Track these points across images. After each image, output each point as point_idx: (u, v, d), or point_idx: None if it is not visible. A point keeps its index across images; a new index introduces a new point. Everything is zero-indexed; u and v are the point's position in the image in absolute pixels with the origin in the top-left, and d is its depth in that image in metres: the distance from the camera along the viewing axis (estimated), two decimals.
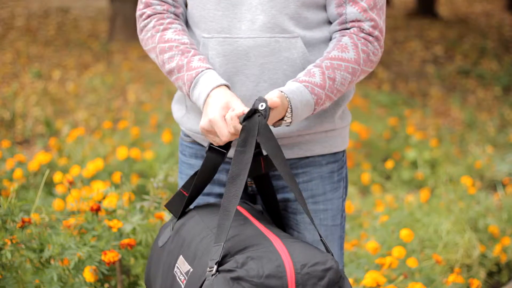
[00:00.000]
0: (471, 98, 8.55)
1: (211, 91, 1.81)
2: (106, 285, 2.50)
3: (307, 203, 1.99)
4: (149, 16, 1.97)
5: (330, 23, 1.96)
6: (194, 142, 2.06)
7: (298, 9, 1.89)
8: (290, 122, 1.80)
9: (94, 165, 4.11)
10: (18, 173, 4.24)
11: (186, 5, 2.03)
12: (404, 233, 3.16)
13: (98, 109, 7.03)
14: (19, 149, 5.67)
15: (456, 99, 8.27)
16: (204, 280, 1.61)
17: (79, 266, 2.41)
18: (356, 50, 1.86)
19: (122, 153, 4.69)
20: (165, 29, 1.94)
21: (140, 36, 2.00)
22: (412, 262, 3.00)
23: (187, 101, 2.03)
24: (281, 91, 1.79)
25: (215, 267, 1.60)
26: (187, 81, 1.87)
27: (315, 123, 1.96)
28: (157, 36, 1.94)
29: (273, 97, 1.74)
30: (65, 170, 4.48)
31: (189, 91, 1.87)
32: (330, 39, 1.95)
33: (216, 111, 1.77)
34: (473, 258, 3.62)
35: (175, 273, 1.78)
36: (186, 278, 1.71)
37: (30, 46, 9.74)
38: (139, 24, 2.00)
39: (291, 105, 1.77)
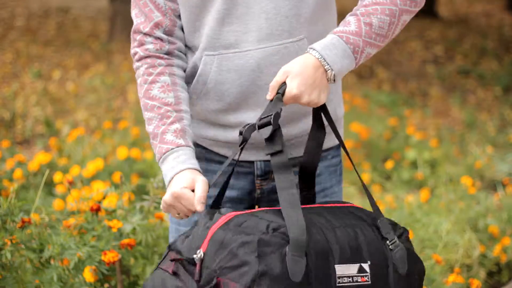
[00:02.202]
0: (471, 98, 8.55)
1: (175, 174, 1.81)
2: (106, 285, 2.50)
3: (319, 197, 2.00)
4: (141, 59, 1.91)
5: (329, 10, 1.95)
6: (197, 145, 2.05)
7: (303, 8, 1.88)
8: (334, 79, 1.78)
9: (94, 165, 4.12)
10: (18, 173, 4.25)
11: (182, 29, 1.96)
12: None
13: (98, 109, 7.03)
14: (19, 149, 5.68)
15: (456, 99, 8.28)
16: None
17: (79, 266, 2.41)
18: None
19: (122, 153, 4.69)
20: (152, 82, 1.88)
21: (135, 75, 1.96)
22: None
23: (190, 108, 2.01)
24: (311, 47, 1.77)
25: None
26: (158, 153, 1.86)
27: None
28: (144, 87, 1.89)
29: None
30: (65, 170, 4.48)
31: (159, 163, 1.87)
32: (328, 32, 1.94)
33: (181, 183, 1.78)
34: (473, 258, 3.62)
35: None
36: None
37: (30, 46, 9.74)
38: (133, 63, 1.95)
39: (326, 60, 1.76)
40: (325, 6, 1.94)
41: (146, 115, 1.88)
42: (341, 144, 1.87)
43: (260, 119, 1.73)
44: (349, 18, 1.83)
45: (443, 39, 11.48)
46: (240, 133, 1.78)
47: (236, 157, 1.89)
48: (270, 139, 1.71)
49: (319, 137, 1.86)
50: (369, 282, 1.67)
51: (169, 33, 1.91)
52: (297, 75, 1.74)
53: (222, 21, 1.87)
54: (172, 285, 1.66)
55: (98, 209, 2.55)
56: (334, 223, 1.71)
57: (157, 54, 1.90)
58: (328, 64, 1.75)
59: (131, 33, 1.95)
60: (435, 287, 3.14)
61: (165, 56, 1.91)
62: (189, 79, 1.96)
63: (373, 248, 1.70)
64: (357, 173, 1.88)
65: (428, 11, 13.40)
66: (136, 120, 6.48)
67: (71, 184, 2.74)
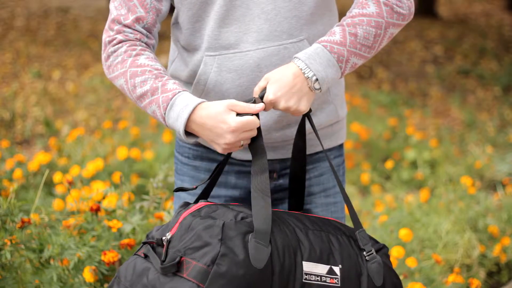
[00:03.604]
0: (471, 98, 8.55)
1: (194, 108, 1.75)
2: (106, 285, 2.50)
3: (320, 197, 2.04)
4: (120, 42, 1.88)
5: (329, 11, 1.97)
6: (199, 145, 2.05)
7: (303, 10, 1.89)
8: (320, 88, 1.80)
9: (94, 165, 4.12)
10: (17, 173, 4.25)
11: (181, 31, 1.96)
12: (403, 232, 3.17)
13: (98, 109, 7.03)
14: (19, 149, 5.68)
15: (456, 99, 8.28)
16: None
17: (78, 266, 2.41)
18: (378, 4, 1.86)
19: (122, 153, 4.69)
20: (137, 55, 1.86)
21: (107, 63, 1.89)
22: (411, 262, 3.00)
23: None
24: (295, 57, 1.80)
25: None
26: (162, 103, 1.79)
27: (323, 119, 1.99)
28: (129, 60, 1.85)
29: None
30: (65, 170, 4.48)
31: (164, 113, 1.79)
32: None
33: (226, 115, 1.73)
34: (473, 258, 3.62)
35: None
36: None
37: (30, 46, 9.74)
38: (108, 50, 1.89)
39: (310, 69, 1.78)
40: (325, 7, 1.94)
41: (138, 79, 1.82)
42: (325, 153, 1.90)
43: None
44: (335, 28, 1.85)
45: (442, 39, 11.47)
46: None
47: (238, 157, 1.95)
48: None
49: (300, 144, 1.91)
50: (338, 285, 1.71)
51: (148, 30, 1.91)
52: (275, 81, 1.78)
53: (222, 22, 1.88)
54: (141, 266, 1.71)
55: (98, 209, 2.55)
56: (309, 226, 1.76)
57: (137, 41, 1.89)
58: (311, 72, 1.78)
59: (108, 22, 1.92)
60: (435, 287, 3.14)
61: (144, 44, 1.90)
62: (190, 80, 1.97)
63: (345, 254, 1.75)
64: (338, 181, 1.91)
65: (428, 11, 13.40)
66: (136, 120, 6.48)
67: (71, 184, 2.74)
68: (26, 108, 6.89)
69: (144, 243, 1.74)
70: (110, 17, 1.92)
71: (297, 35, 1.89)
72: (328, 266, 1.71)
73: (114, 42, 1.89)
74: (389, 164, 5.44)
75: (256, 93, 1.81)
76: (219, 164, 1.89)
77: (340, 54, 1.81)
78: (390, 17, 1.86)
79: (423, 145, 6.04)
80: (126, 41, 1.88)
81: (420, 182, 5.35)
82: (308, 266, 1.69)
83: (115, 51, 1.88)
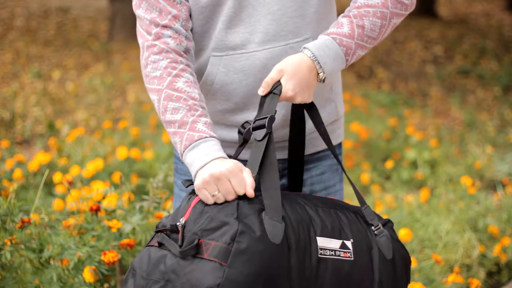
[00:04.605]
0: (471, 98, 8.55)
1: (213, 160, 1.71)
2: (106, 285, 2.50)
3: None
4: (161, 51, 1.83)
5: (332, 12, 1.98)
6: None
7: (308, 9, 1.90)
8: (324, 79, 1.82)
9: (94, 165, 4.12)
10: (17, 173, 4.25)
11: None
12: (403, 232, 3.17)
13: (98, 109, 7.03)
14: (19, 149, 5.68)
15: (456, 99, 8.28)
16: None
17: (78, 266, 2.41)
18: None
19: (122, 153, 4.69)
20: (177, 76, 1.81)
21: (145, 70, 1.85)
22: (411, 262, 3.00)
23: None
24: (305, 47, 1.81)
25: None
26: (185, 140, 1.76)
27: (324, 117, 2.00)
28: (168, 79, 1.81)
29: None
30: (65, 170, 4.48)
31: (183, 151, 1.77)
32: None
33: (232, 163, 1.69)
34: (472, 258, 3.62)
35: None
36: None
37: (30, 46, 9.74)
38: (147, 56, 1.84)
39: (318, 62, 1.79)
40: (327, 5, 1.95)
41: (171, 104, 1.79)
42: (330, 149, 1.91)
43: (255, 120, 1.76)
44: (342, 19, 1.86)
45: (442, 39, 11.47)
46: (240, 133, 1.82)
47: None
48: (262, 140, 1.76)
49: (300, 123, 1.91)
50: (352, 258, 1.73)
51: (185, 28, 1.88)
52: (292, 76, 1.78)
53: (229, 23, 1.88)
54: (156, 254, 1.69)
55: (97, 209, 2.55)
56: (317, 204, 1.78)
57: (178, 50, 1.85)
58: (321, 67, 1.79)
59: (143, 26, 1.86)
60: (435, 287, 3.14)
61: (185, 54, 1.86)
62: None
63: (355, 229, 1.77)
64: (341, 166, 1.92)
65: (428, 11, 13.40)
66: (136, 120, 6.48)
67: (71, 184, 2.74)
68: (26, 108, 6.89)
69: (157, 231, 1.72)
70: (144, 21, 1.86)
71: (302, 34, 1.90)
72: (341, 241, 1.73)
73: (155, 50, 1.84)
74: (389, 164, 5.44)
75: (268, 85, 1.78)
76: None
77: (348, 47, 1.82)
78: (394, 7, 1.87)
79: (423, 145, 6.04)
80: (168, 51, 1.83)
81: (420, 182, 5.35)
82: (322, 241, 1.70)
83: (154, 62, 1.83)
